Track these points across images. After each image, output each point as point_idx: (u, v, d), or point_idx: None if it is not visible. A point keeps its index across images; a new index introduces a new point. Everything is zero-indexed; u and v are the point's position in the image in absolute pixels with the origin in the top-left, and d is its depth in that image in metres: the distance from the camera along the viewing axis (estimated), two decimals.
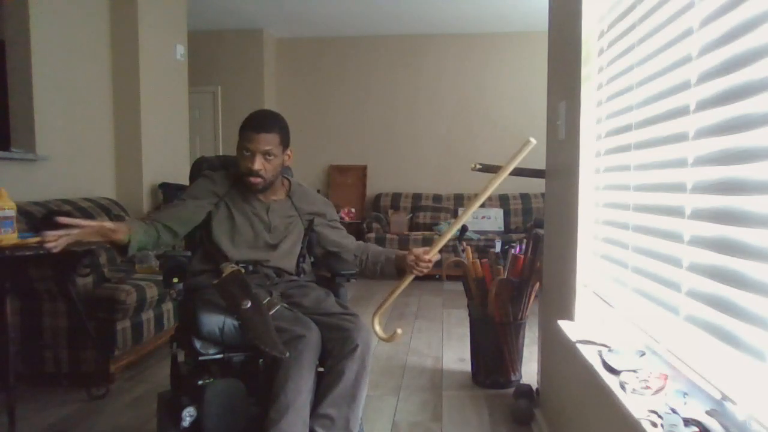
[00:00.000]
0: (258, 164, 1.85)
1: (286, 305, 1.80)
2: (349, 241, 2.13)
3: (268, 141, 1.85)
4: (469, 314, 2.89)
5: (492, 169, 2.60)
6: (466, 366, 2.99)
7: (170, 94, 4.80)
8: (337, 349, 1.71)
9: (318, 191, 2.18)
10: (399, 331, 1.98)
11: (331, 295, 1.94)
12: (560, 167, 2.00)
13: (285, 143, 1.93)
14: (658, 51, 1.22)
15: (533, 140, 1.87)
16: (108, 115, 4.27)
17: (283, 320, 1.71)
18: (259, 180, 1.89)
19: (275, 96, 6.88)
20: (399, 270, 1.99)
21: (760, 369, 0.82)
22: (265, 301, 1.74)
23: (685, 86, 1.08)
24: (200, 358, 1.74)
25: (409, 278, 1.96)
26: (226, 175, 1.99)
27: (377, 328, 2.01)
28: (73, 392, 2.66)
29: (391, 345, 3.50)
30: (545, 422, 2.21)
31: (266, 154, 1.85)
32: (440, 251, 1.94)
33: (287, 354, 1.59)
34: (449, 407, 2.56)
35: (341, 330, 1.74)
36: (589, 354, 1.39)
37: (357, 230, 6.06)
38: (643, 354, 1.31)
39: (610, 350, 1.37)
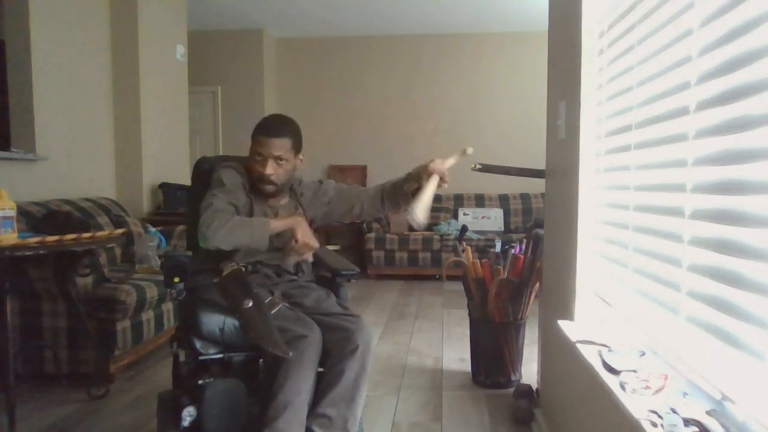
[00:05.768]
0: (270, 169, 1.85)
1: (287, 305, 1.80)
2: (364, 189, 2.10)
3: (280, 146, 1.86)
4: (469, 314, 2.89)
5: (492, 169, 2.60)
6: (466, 366, 2.99)
7: (170, 94, 4.80)
8: (337, 350, 1.71)
9: (321, 182, 2.14)
10: (469, 150, 1.87)
11: (331, 296, 1.94)
12: (560, 167, 2.00)
13: (297, 148, 1.92)
14: (658, 51, 1.22)
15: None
16: (108, 115, 4.27)
17: (285, 320, 1.71)
18: (270, 185, 1.89)
19: (275, 96, 6.88)
20: (419, 180, 1.90)
21: (760, 369, 0.82)
22: (266, 301, 1.74)
23: (685, 86, 1.08)
24: (200, 357, 1.74)
25: (435, 180, 1.85)
26: (245, 172, 1.97)
27: (419, 213, 1.81)
28: (73, 392, 2.66)
29: (391, 345, 3.51)
30: (545, 422, 2.21)
31: (278, 158, 1.86)
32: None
33: (290, 353, 1.59)
34: (449, 407, 2.56)
35: (342, 330, 1.74)
36: (589, 354, 1.39)
37: (357, 230, 6.06)
38: (643, 354, 1.31)
39: (610, 350, 1.37)
